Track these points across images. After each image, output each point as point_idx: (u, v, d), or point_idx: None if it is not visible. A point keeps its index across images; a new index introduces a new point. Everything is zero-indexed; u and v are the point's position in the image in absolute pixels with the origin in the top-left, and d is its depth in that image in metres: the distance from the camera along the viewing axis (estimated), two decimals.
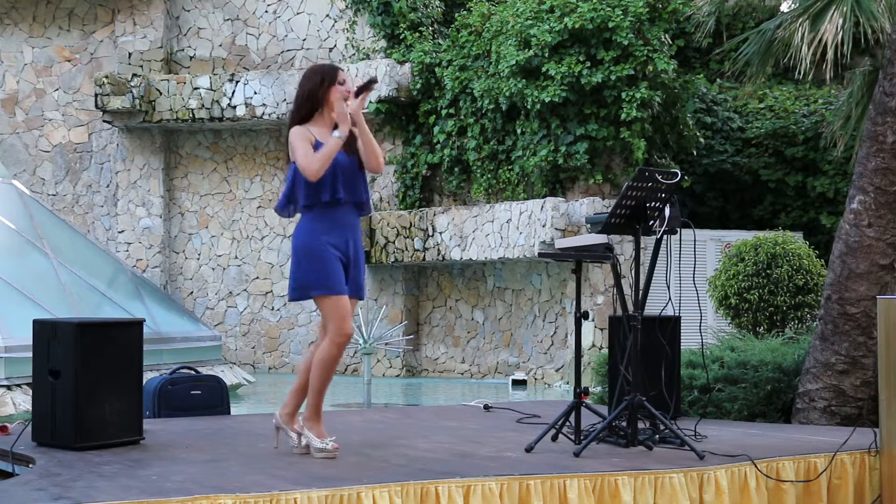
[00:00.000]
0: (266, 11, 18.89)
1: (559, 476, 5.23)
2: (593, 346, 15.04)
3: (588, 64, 15.17)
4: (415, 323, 17.98)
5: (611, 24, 15.04)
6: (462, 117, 16.90)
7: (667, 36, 15.85)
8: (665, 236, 6.27)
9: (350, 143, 5.72)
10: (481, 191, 16.79)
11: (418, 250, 17.19)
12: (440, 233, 16.98)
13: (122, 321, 6.58)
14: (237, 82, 18.24)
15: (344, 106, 5.68)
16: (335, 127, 5.69)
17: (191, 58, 19.08)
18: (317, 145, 5.66)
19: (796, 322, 10.10)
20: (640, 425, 6.23)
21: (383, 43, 17.99)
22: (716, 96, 17.74)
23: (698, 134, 16.67)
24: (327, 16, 18.56)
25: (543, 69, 15.24)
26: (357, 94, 5.73)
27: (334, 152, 5.63)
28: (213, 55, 19.04)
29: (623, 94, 15.14)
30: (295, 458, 5.66)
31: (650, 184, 6.08)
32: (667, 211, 6.20)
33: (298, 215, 5.82)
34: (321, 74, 5.79)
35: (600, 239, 6.48)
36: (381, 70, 17.23)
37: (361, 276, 5.83)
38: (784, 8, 16.28)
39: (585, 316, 6.18)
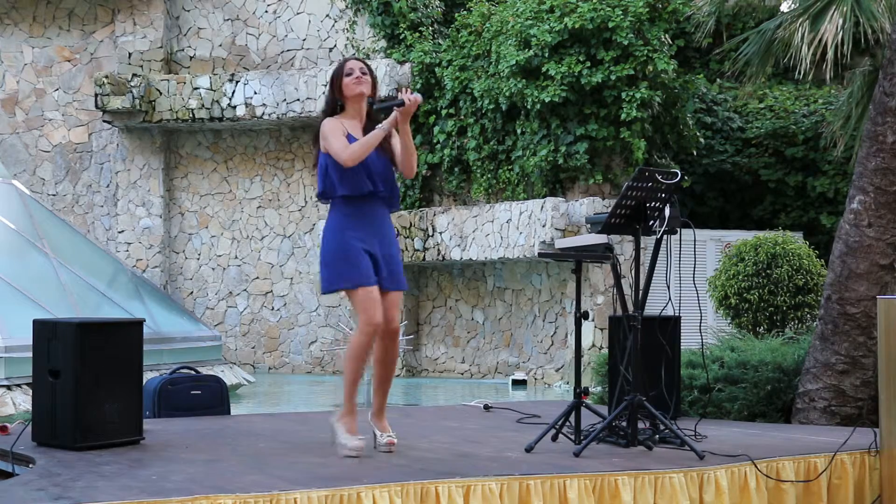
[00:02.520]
0: (266, 11, 18.88)
1: (559, 476, 5.23)
2: (593, 346, 15.04)
3: (588, 64, 15.16)
4: (415, 323, 17.98)
5: (611, 24, 15.04)
6: (462, 117, 16.89)
7: (667, 36, 15.84)
8: (665, 236, 6.26)
9: (382, 142, 5.88)
10: (481, 191, 16.78)
11: (418, 250, 17.18)
12: (440, 233, 16.97)
13: (122, 321, 6.57)
14: (237, 82, 18.23)
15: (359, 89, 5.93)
16: (366, 122, 5.94)
17: (191, 58, 19.08)
18: (349, 138, 5.84)
19: (796, 322, 10.10)
20: (640, 425, 6.23)
21: (383, 43, 17.98)
22: (716, 96, 17.74)
23: (698, 134, 16.66)
24: (327, 16, 18.55)
25: (543, 69, 15.24)
26: (384, 110, 5.92)
27: (375, 143, 5.81)
28: (213, 55, 19.04)
29: (623, 94, 15.14)
30: (295, 457, 5.66)
31: (650, 184, 6.08)
32: (667, 211, 6.20)
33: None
34: (335, 70, 6.03)
35: (600, 239, 6.48)
36: (382, 70, 17.21)
37: (396, 267, 5.90)
38: (784, 8, 16.27)
39: (585, 316, 6.18)
